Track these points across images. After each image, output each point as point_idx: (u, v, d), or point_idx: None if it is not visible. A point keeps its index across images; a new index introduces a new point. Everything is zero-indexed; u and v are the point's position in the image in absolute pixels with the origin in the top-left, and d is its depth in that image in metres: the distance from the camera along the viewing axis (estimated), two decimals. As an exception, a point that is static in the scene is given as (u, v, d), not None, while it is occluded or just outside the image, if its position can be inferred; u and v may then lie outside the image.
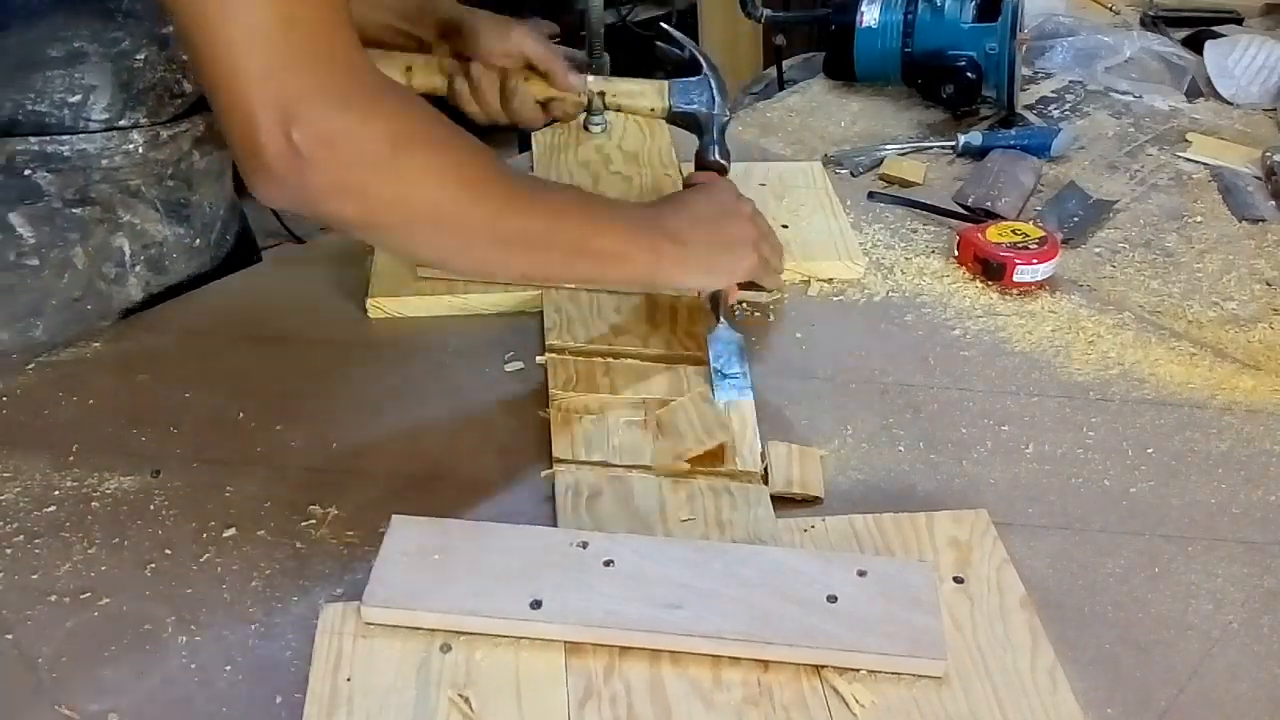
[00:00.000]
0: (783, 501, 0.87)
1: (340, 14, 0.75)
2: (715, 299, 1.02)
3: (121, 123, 0.99)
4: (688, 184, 1.09)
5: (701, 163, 1.12)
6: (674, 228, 0.94)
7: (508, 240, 0.85)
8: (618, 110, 1.15)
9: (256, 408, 0.96)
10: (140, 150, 1.01)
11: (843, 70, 1.55)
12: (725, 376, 0.96)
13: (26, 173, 0.97)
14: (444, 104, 0.99)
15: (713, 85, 1.12)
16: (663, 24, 1.24)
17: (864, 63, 1.52)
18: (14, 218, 0.98)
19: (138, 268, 1.06)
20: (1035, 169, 1.34)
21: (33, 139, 0.96)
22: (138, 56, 0.97)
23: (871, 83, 1.55)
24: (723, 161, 1.12)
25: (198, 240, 1.11)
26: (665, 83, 1.12)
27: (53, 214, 0.99)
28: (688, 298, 1.06)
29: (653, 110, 1.13)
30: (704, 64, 1.13)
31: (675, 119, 1.13)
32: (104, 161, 0.99)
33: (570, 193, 0.99)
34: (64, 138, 0.97)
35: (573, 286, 1.07)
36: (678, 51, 1.16)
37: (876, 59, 1.51)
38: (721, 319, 1.01)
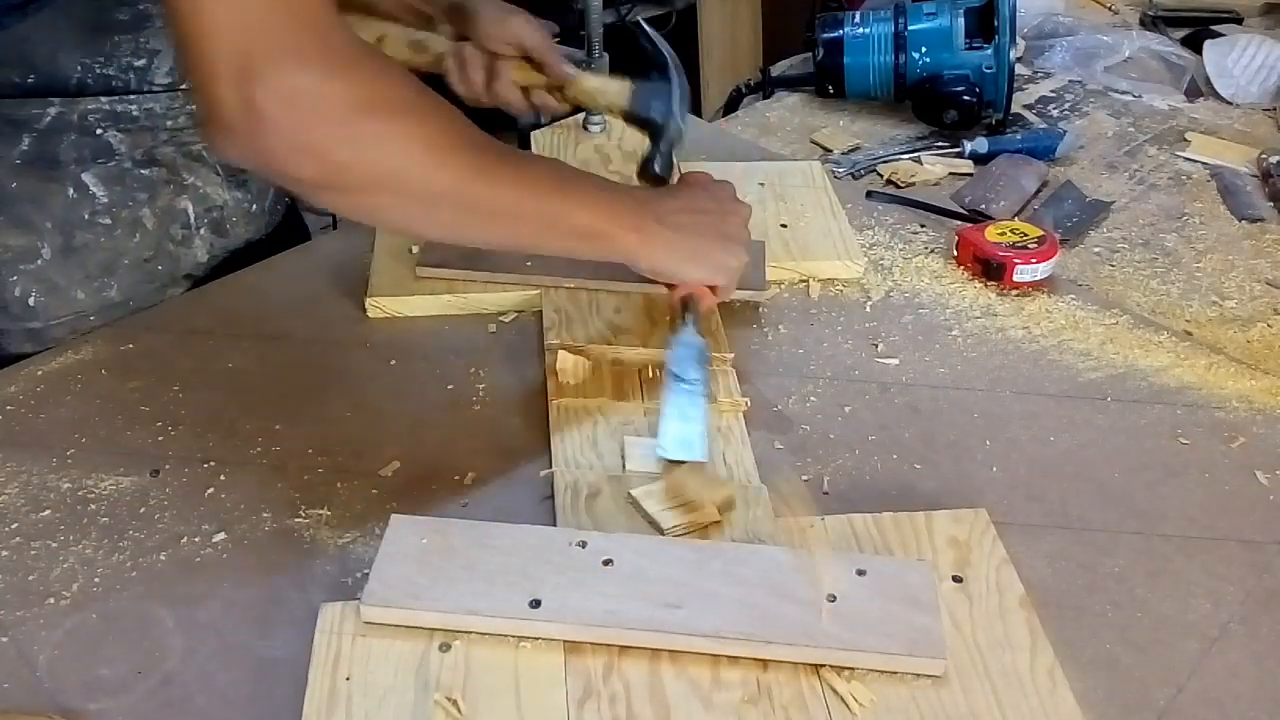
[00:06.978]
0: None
1: None
2: (686, 300, 0.97)
3: (184, 85, 1.03)
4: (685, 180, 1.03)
5: (642, 173, 1.07)
6: (663, 210, 0.94)
7: (474, 209, 0.83)
8: (576, 106, 1.12)
9: (255, 407, 0.96)
10: None
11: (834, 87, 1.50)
12: (680, 380, 0.91)
13: (99, 131, 1.02)
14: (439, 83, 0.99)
15: (675, 95, 1.07)
16: (640, 20, 1.16)
17: (854, 81, 1.47)
18: (88, 177, 1.03)
19: (202, 230, 1.12)
20: (1040, 173, 1.33)
21: (104, 98, 1.01)
22: None
23: (863, 100, 1.50)
24: (662, 175, 1.06)
25: (254, 205, 1.16)
26: (630, 84, 1.07)
27: (123, 174, 1.05)
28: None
29: (610, 109, 1.09)
30: (672, 71, 1.07)
31: (631, 120, 1.08)
32: (169, 122, 1.05)
33: (552, 167, 0.98)
34: (131, 97, 1.02)
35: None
36: (648, 48, 1.09)
37: (867, 76, 1.46)
38: (688, 321, 0.96)
